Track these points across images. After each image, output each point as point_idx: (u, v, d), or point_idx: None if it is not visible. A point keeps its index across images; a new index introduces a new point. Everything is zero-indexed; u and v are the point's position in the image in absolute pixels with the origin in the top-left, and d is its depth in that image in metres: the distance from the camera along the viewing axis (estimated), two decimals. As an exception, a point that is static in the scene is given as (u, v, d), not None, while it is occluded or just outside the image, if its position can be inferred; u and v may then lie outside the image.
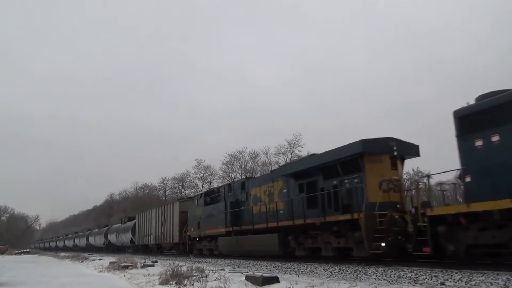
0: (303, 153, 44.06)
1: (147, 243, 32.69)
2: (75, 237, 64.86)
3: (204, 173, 56.67)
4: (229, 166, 51.97)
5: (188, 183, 59.51)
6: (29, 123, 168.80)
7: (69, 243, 67.39)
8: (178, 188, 61.49)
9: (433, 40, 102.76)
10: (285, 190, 15.59)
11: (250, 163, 51.13)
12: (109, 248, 46.46)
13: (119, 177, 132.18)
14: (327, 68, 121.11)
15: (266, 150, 49.48)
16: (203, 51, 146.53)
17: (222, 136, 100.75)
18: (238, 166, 51.60)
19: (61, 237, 78.14)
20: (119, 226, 43.98)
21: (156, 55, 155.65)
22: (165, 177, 64.12)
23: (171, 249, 30.07)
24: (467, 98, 9.77)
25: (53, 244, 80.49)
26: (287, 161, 44.66)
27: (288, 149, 45.92)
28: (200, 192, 26.52)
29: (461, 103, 9.78)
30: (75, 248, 59.73)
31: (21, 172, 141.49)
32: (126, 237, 39.26)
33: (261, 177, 19.61)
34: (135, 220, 37.48)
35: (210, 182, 55.42)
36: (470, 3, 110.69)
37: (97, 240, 50.95)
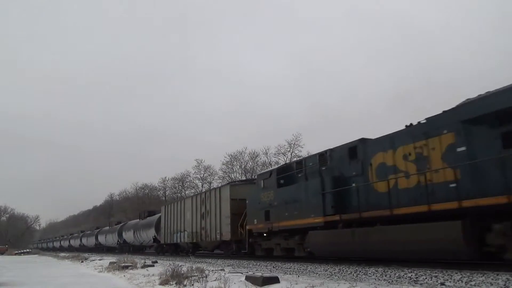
0: (303, 153, 44.12)
1: (178, 241, 26.25)
2: (81, 236, 60.50)
3: (204, 173, 56.80)
4: (229, 166, 52.05)
5: (188, 183, 59.67)
6: (29, 123, 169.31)
7: (75, 242, 63.06)
8: (178, 188, 61.62)
9: (430, 41, 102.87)
10: (461, 148, 9.43)
11: (250, 163, 51.21)
12: (123, 249, 39.61)
13: (119, 177, 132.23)
14: (325, 68, 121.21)
15: (266, 150, 49.57)
16: (203, 50, 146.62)
17: (221, 136, 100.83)
18: (238, 166, 51.68)
19: (65, 237, 74.63)
20: (137, 222, 37.84)
21: (155, 55, 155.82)
22: (165, 177, 64.31)
23: (213, 250, 24.02)
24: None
25: (56, 244, 79.64)
26: (287, 161, 44.52)
27: (288, 149, 45.98)
28: (267, 170, 18.45)
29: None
30: (82, 248, 56.19)
31: (21, 172, 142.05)
32: (148, 235, 33.17)
33: (394, 135, 11.49)
34: (159, 214, 31.66)
35: (210, 182, 55.54)
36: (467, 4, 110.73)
37: (109, 239, 45.86)
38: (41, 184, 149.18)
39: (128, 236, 39.25)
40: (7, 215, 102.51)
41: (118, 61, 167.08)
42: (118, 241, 42.23)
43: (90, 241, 55.00)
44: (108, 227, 49.53)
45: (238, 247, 19.12)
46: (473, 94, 9.56)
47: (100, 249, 50.18)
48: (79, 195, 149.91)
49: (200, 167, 56.31)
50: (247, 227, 17.46)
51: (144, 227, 34.12)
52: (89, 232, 59.08)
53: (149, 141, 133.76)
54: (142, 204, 63.40)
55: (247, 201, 17.82)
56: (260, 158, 50.67)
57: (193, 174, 57.81)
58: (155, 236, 31.22)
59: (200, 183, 57.28)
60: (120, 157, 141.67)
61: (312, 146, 48.40)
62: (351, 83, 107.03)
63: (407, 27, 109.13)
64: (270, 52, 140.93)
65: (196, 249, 25.83)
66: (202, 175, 56.98)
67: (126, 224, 41.71)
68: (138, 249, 38.94)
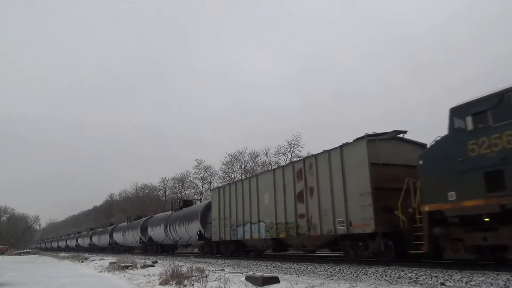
0: (303, 153, 44.06)
1: (245, 237, 18.56)
2: (92, 234, 55.30)
3: (204, 173, 56.73)
4: (229, 166, 52.00)
5: (188, 183, 59.60)
6: (29, 123, 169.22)
7: (84, 241, 58.63)
8: (178, 188, 61.58)
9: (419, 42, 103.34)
10: None
11: (250, 163, 51.14)
12: (148, 249, 33.33)
13: (119, 177, 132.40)
14: (322, 68, 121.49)
15: (266, 150, 49.46)
16: (202, 51, 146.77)
17: (221, 136, 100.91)
18: (238, 166, 51.63)
19: (72, 235, 71.41)
20: (169, 214, 29.83)
21: (155, 56, 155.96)
22: (165, 177, 64.28)
23: (320, 248, 15.46)
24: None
25: (54, 244, 79.98)
26: (287, 161, 44.70)
27: (288, 149, 45.89)
28: (487, 94, 8.69)
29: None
30: (93, 248, 52.66)
31: (21, 172, 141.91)
32: (189, 230, 25.32)
33: None
34: (205, 202, 26.82)
35: (210, 182, 55.50)
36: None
37: (128, 238, 39.07)
38: (41, 184, 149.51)
39: (157, 232, 31.33)
40: (7, 215, 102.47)
41: (118, 62, 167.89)
42: (141, 239, 34.72)
43: (102, 240, 49.60)
44: (126, 223, 40.46)
45: (389, 245, 11.40)
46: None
47: (116, 249, 43.63)
48: (79, 195, 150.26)
49: (200, 167, 56.34)
50: (426, 208, 9.78)
51: (183, 220, 26.56)
52: (100, 229, 53.93)
53: (149, 142, 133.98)
54: (142, 204, 63.41)
55: (421, 164, 10.11)
56: (260, 158, 50.65)
57: (193, 174, 57.81)
58: (200, 231, 23.56)
59: (200, 183, 57.32)
60: (120, 157, 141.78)
61: (311, 146, 48.39)
62: (346, 83, 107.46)
63: (401, 27, 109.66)
64: (268, 52, 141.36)
65: (280, 248, 17.35)
66: (202, 175, 56.98)
67: (152, 218, 34.23)
68: (167, 249, 32.11)
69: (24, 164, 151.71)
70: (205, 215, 23.74)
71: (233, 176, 50.13)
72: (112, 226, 47.02)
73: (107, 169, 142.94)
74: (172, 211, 29.99)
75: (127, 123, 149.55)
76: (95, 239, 52.36)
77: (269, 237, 16.75)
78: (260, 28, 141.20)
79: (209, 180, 56.30)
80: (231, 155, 51.46)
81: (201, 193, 56.25)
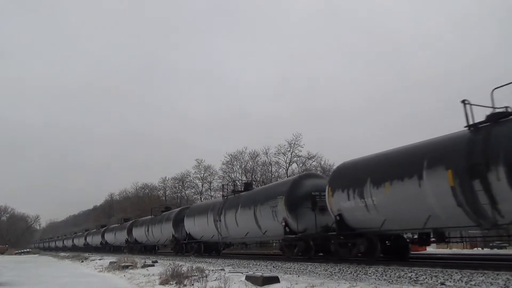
0: (303, 153, 44.04)
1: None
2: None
3: (204, 173, 56.65)
4: (229, 166, 51.94)
5: (188, 183, 59.53)
6: (29, 124, 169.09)
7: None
8: (178, 188, 61.53)
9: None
10: None
11: (250, 163, 51.08)
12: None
13: (119, 177, 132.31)
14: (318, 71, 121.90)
15: (266, 150, 49.38)
16: (201, 55, 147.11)
17: (221, 139, 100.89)
18: (238, 166, 51.58)
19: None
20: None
21: (158, 61, 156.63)
22: (165, 177, 64.14)
23: None
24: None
25: (53, 244, 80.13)
26: (287, 161, 44.67)
27: (288, 149, 45.84)
28: None
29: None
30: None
31: (21, 172, 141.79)
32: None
33: None
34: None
35: (210, 182, 55.46)
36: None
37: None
38: (41, 184, 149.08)
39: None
40: (7, 215, 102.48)
41: (118, 64, 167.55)
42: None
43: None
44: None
45: None
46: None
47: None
48: (79, 195, 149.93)
49: (200, 167, 56.23)
50: None
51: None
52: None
53: (150, 142, 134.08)
54: (142, 204, 63.35)
55: None
56: (260, 158, 50.57)
57: (193, 174, 57.71)
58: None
59: (200, 183, 57.26)
60: (120, 157, 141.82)
61: (311, 146, 48.38)
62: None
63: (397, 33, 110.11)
64: (259, 58, 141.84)
65: None
66: (202, 175, 56.88)
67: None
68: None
69: (25, 164, 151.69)
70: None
71: (233, 176, 50.10)
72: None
73: (107, 169, 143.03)
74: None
75: (128, 125, 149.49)
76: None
77: None
78: (256, 34, 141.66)
79: (209, 180, 56.29)
80: (231, 154, 51.43)
81: (201, 193, 56.22)
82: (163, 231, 27.70)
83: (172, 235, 26.27)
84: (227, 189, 22.82)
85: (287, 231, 15.37)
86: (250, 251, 20.55)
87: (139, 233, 32.94)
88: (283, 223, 15.49)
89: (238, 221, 18.83)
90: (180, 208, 28.45)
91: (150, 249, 32.92)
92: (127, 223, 38.00)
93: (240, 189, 21.84)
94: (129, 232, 35.60)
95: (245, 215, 18.24)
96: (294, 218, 15.17)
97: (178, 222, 25.83)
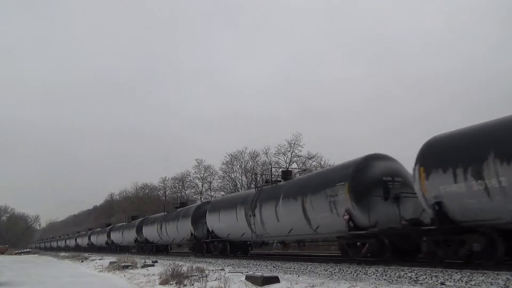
0: (303, 153, 43.96)
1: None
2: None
3: (204, 173, 56.66)
4: (229, 166, 51.94)
5: (188, 183, 59.54)
6: (29, 124, 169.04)
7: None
8: (178, 188, 61.54)
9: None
10: None
11: (250, 163, 51.08)
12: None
13: (119, 177, 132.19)
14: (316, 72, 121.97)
15: (266, 150, 49.35)
16: (200, 55, 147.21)
17: (219, 139, 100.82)
18: (238, 166, 51.58)
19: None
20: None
21: (159, 59, 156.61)
22: (165, 177, 64.12)
23: None
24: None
25: (54, 244, 80.00)
26: (287, 161, 44.62)
27: (288, 149, 45.82)
28: None
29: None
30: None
31: (21, 172, 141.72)
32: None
33: None
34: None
35: (210, 182, 55.48)
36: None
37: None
38: (41, 184, 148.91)
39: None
40: (7, 215, 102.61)
41: (118, 64, 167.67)
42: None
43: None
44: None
45: None
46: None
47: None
48: (79, 195, 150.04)
49: (200, 166, 56.22)
50: None
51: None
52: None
53: (150, 142, 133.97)
54: (142, 204, 63.37)
55: None
56: (260, 158, 50.53)
57: (193, 174, 57.71)
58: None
59: (200, 183, 57.28)
60: (120, 157, 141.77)
61: (311, 146, 48.37)
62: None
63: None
64: (259, 58, 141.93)
65: None
66: (202, 174, 56.89)
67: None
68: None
69: (24, 164, 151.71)
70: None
71: (233, 176, 50.10)
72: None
73: (107, 169, 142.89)
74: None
75: (128, 125, 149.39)
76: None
77: None
78: (257, 34, 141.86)
79: (209, 180, 56.31)
80: (231, 154, 51.44)
81: (201, 192, 56.22)
82: (180, 229, 24.88)
83: (191, 233, 23.47)
84: (260, 180, 18.88)
85: (351, 226, 12.38)
86: (292, 252, 17.45)
87: (150, 232, 30.18)
88: (346, 216, 12.45)
89: (279, 216, 15.87)
90: (199, 203, 26.08)
91: (162, 250, 30.59)
92: (136, 221, 34.85)
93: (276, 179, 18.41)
94: (139, 230, 32.73)
95: (289, 208, 15.28)
96: (362, 209, 12.12)
97: (197, 219, 23.07)
